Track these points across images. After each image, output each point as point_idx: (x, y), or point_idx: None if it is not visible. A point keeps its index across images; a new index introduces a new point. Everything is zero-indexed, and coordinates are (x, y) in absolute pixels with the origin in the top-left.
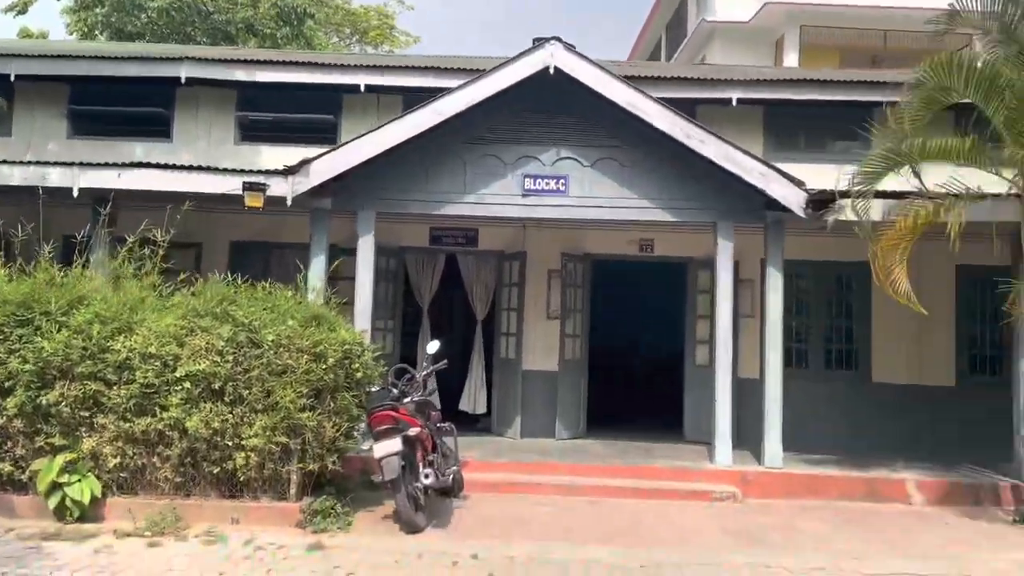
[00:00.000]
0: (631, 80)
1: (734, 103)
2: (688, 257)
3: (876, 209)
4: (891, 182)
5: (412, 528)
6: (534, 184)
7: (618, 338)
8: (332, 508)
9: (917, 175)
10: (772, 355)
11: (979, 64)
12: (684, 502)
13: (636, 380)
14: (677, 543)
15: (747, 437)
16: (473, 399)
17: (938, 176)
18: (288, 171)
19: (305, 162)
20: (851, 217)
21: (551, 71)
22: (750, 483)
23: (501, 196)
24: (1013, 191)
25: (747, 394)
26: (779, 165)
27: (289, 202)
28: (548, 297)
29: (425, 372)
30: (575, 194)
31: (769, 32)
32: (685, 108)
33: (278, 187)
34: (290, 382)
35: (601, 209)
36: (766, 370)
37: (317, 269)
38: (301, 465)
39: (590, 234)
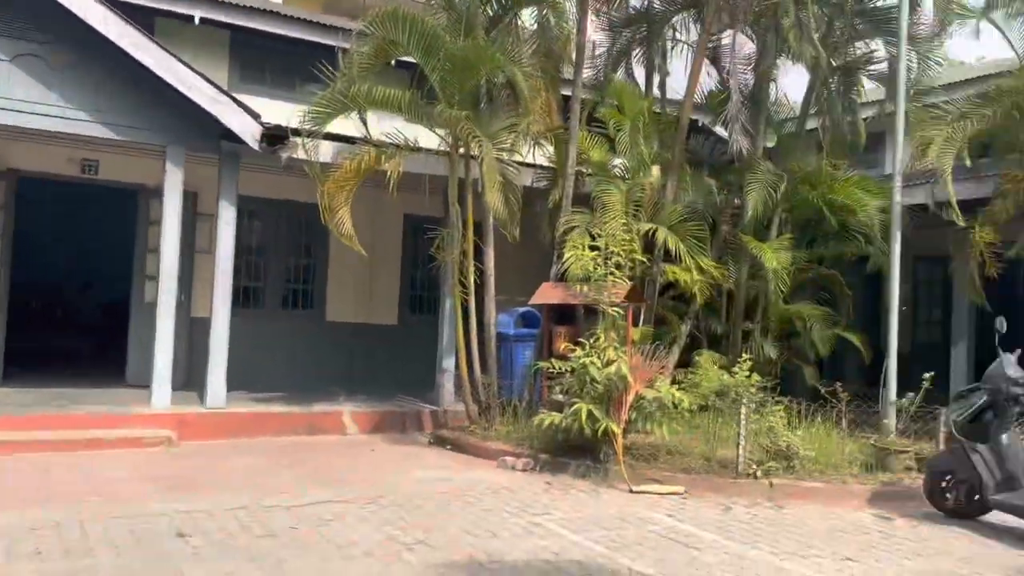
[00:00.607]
0: None
1: (197, 22)
2: (139, 184)
3: (326, 150)
4: (347, 127)
5: None
6: None
7: (58, 272)
8: None
9: (364, 121)
10: (221, 292)
11: (422, 24)
12: (111, 451)
13: (80, 319)
14: (91, 497)
15: (202, 380)
16: None
17: (392, 127)
18: None
19: None
20: (303, 156)
21: None
22: (189, 425)
23: None
24: (444, 147)
25: (202, 334)
26: (246, 98)
27: None
28: None
29: None
30: None
31: None
32: (141, 19)
33: None
34: None
35: (20, 115)
36: (214, 308)
37: None
38: None
39: (16, 146)
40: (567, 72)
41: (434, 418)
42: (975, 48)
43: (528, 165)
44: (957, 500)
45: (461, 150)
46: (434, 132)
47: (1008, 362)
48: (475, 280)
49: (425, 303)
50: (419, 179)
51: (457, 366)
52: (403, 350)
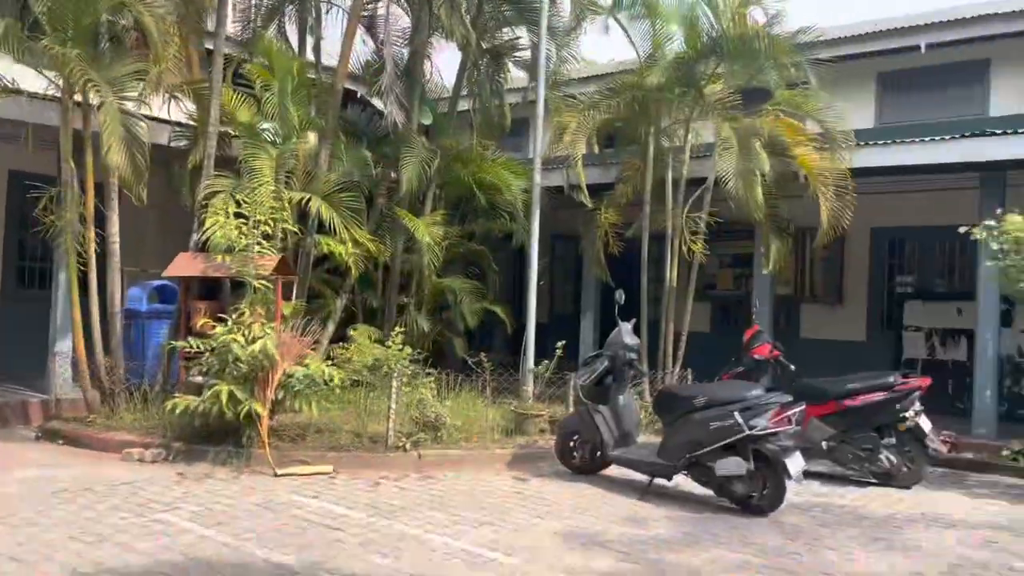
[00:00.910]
0: None
1: None
2: None
3: None
4: None
5: None
6: None
7: None
8: None
9: None
10: None
11: None
12: None
13: None
14: None
15: None
16: None
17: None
18: None
19: None
20: None
21: None
22: None
23: None
24: (53, 92)
25: None
26: None
27: None
28: None
29: None
30: None
31: None
32: None
33: None
34: None
35: None
36: None
37: None
38: None
39: None
40: (212, 25)
41: (44, 409)
42: (607, 47)
43: (163, 121)
44: (583, 458)
45: (77, 97)
46: (43, 74)
47: (625, 331)
48: (99, 249)
49: (37, 275)
50: (17, 128)
51: (74, 348)
52: (5, 331)
